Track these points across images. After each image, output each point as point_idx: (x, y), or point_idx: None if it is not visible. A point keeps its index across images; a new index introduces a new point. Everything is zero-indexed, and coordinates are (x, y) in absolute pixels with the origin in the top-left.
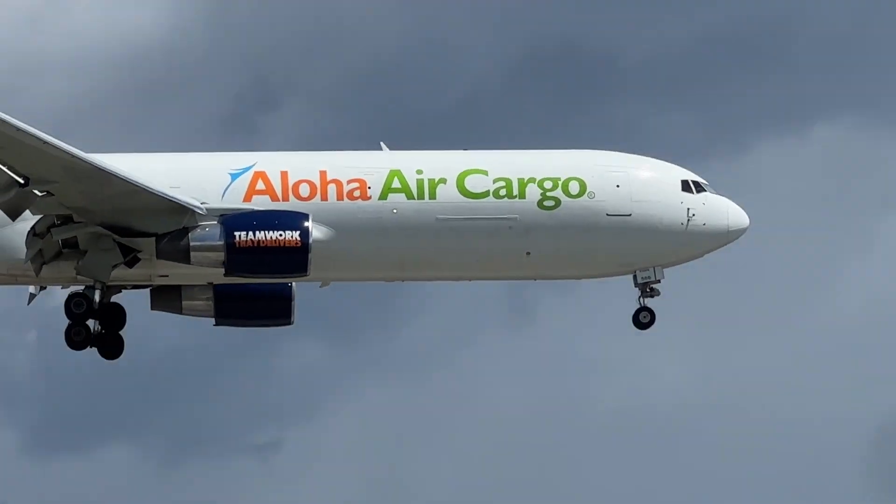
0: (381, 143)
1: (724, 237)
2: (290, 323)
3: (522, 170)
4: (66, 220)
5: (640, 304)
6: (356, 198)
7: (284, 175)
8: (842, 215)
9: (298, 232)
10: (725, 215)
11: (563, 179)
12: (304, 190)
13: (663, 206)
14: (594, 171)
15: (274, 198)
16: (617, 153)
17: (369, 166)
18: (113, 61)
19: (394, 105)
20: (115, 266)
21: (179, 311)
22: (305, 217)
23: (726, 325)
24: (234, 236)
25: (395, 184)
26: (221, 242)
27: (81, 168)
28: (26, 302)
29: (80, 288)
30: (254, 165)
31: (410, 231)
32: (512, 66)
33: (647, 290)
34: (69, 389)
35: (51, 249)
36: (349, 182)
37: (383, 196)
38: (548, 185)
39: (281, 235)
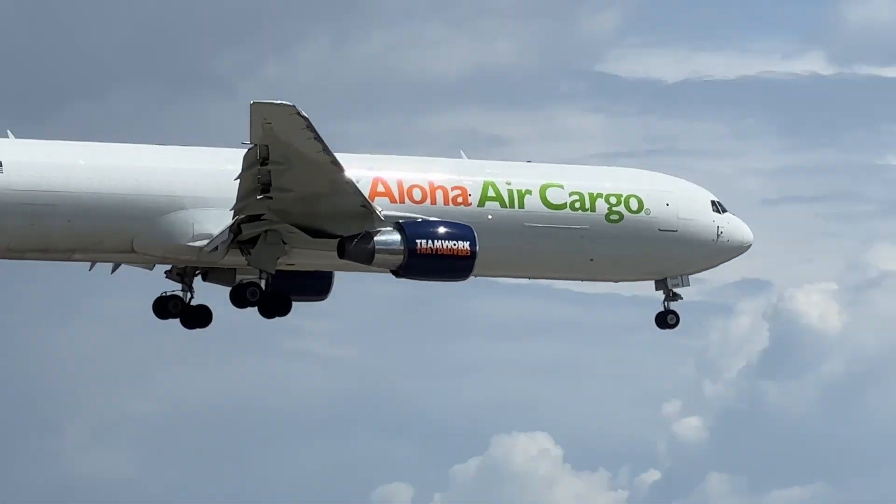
0: (461, 152)
1: (739, 251)
2: (325, 298)
3: (591, 185)
4: (257, 217)
5: (664, 307)
6: (459, 203)
7: (399, 180)
8: None
9: (469, 242)
10: (741, 232)
11: (624, 196)
12: (417, 194)
13: (701, 224)
14: (648, 190)
15: (392, 200)
16: (659, 173)
17: (468, 176)
18: None
19: None
20: (278, 258)
21: (231, 283)
22: (472, 229)
23: None
24: (416, 243)
25: (490, 193)
26: (403, 248)
27: (341, 184)
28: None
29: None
30: (371, 169)
31: (501, 235)
32: None
33: (672, 294)
34: None
35: (230, 241)
36: (453, 189)
37: (481, 203)
38: (613, 200)
39: (455, 245)
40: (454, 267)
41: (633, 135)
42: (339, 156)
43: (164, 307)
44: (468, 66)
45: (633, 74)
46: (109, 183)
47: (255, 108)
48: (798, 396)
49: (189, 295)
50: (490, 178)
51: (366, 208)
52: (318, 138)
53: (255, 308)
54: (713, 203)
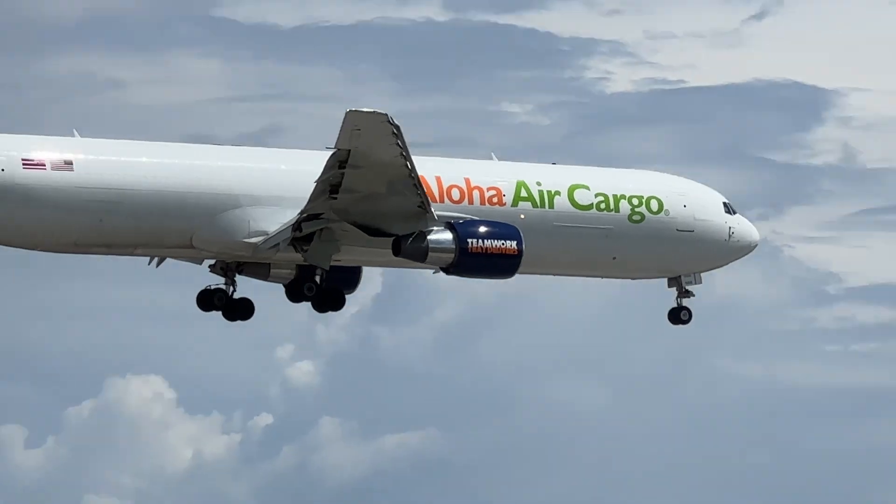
0: (492, 154)
1: (747, 250)
2: (354, 291)
3: (615, 187)
4: (317, 215)
5: (678, 303)
6: (494, 203)
7: (439, 179)
8: None
9: (516, 241)
10: (750, 233)
11: (645, 197)
12: (455, 194)
13: (715, 224)
14: (667, 192)
15: (432, 198)
16: (674, 175)
17: (502, 176)
18: None
19: None
20: (332, 255)
21: (266, 277)
22: (518, 229)
23: None
24: (468, 242)
25: (523, 193)
26: (454, 247)
27: (412, 187)
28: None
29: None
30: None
31: (532, 234)
32: None
33: (685, 291)
34: None
35: (290, 238)
36: (489, 189)
37: (514, 203)
38: (635, 201)
39: (503, 244)
40: (502, 265)
41: (250, 80)
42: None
43: (210, 300)
44: (85, 9)
45: (250, 20)
46: (171, 181)
47: (351, 115)
48: (410, 342)
49: (231, 288)
50: (522, 179)
51: (422, 208)
52: (400, 144)
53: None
54: (725, 205)
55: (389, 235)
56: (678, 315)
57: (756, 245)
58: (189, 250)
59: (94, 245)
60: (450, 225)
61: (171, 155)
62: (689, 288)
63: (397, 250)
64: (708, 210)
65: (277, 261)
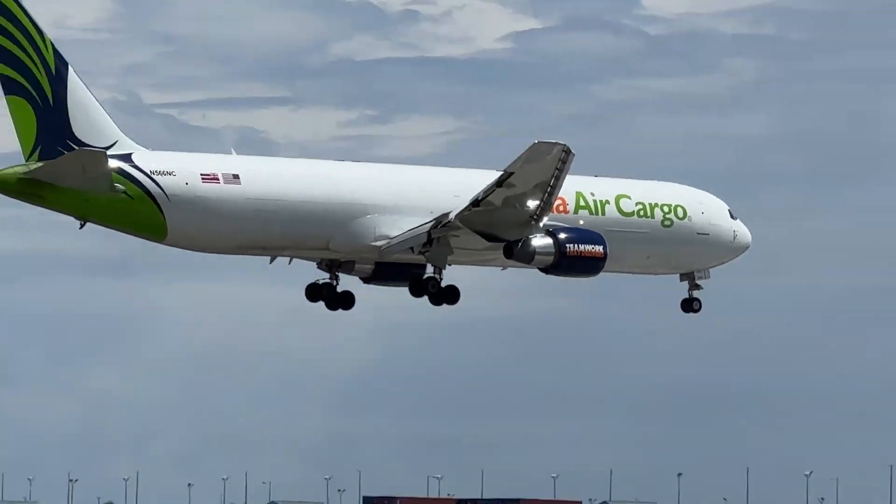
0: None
1: (744, 249)
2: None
3: (650, 196)
4: (446, 224)
5: (690, 295)
6: (560, 211)
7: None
8: None
9: (602, 246)
10: (746, 235)
11: (672, 205)
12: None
13: (724, 228)
14: (689, 201)
15: None
16: (687, 186)
17: (563, 188)
18: None
19: None
20: (447, 256)
21: (350, 272)
22: (602, 236)
23: None
24: (566, 247)
25: (581, 202)
26: (555, 250)
27: (550, 203)
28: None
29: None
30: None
31: None
32: None
33: (696, 285)
34: None
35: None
36: (556, 199)
37: (575, 211)
38: (665, 209)
39: (593, 248)
40: (591, 266)
41: None
42: (450, 169)
43: (318, 292)
44: None
45: None
46: (316, 193)
47: (538, 146)
48: None
49: (335, 283)
50: (580, 190)
51: (534, 219)
52: (560, 170)
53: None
54: (729, 211)
55: (502, 241)
56: (691, 305)
57: (748, 246)
58: (324, 251)
59: (253, 248)
60: (549, 232)
61: (313, 170)
62: (699, 282)
63: (509, 254)
64: (719, 216)
65: (400, 261)
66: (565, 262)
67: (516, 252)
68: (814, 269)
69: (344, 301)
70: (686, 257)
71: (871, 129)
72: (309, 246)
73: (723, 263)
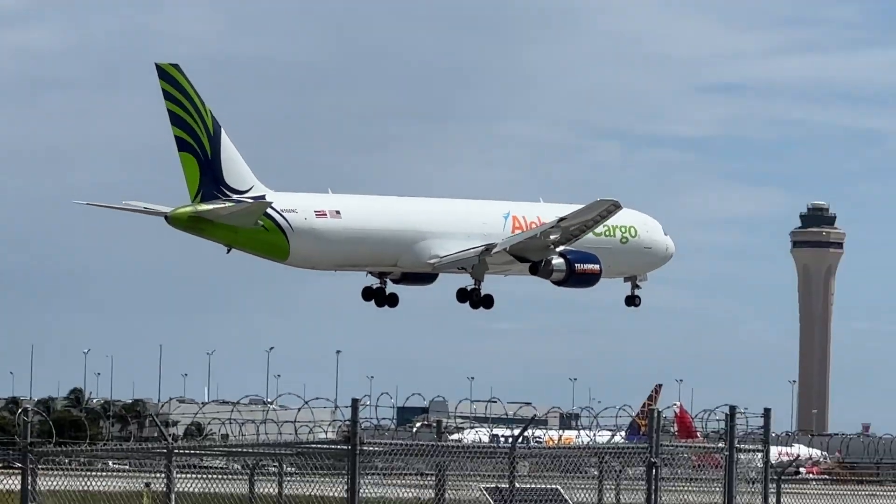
0: (540, 198)
1: (670, 258)
2: (431, 283)
3: (611, 220)
4: (490, 248)
5: (632, 293)
6: None
7: (525, 218)
8: None
9: (599, 265)
10: (671, 246)
11: (627, 226)
12: (533, 227)
13: (660, 242)
14: (637, 222)
15: (521, 229)
16: (635, 210)
17: (550, 214)
18: None
19: None
20: (485, 271)
21: (386, 276)
22: (597, 256)
23: None
24: (575, 266)
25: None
26: (566, 269)
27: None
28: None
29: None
30: (510, 212)
31: None
32: None
33: (637, 285)
34: None
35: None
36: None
37: None
38: (622, 229)
39: (593, 266)
40: (591, 280)
41: None
42: (477, 201)
43: (372, 293)
44: None
45: None
46: (392, 225)
47: (598, 203)
48: None
49: (384, 286)
50: (560, 215)
51: (549, 247)
52: (606, 217)
53: (467, 302)
54: (663, 228)
55: (529, 262)
56: (633, 300)
57: (672, 255)
58: (393, 267)
59: (347, 265)
60: (562, 255)
61: (388, 206)
62: (639, 283)
63: (534, 271)
64: (657, 232)
65: (447, 272)
66: (574, 278)
67: (540, 270)
68: None
69: (390, 300)
70: (635, 265)
71: None
72: (385, 263)
73: (657, 268)
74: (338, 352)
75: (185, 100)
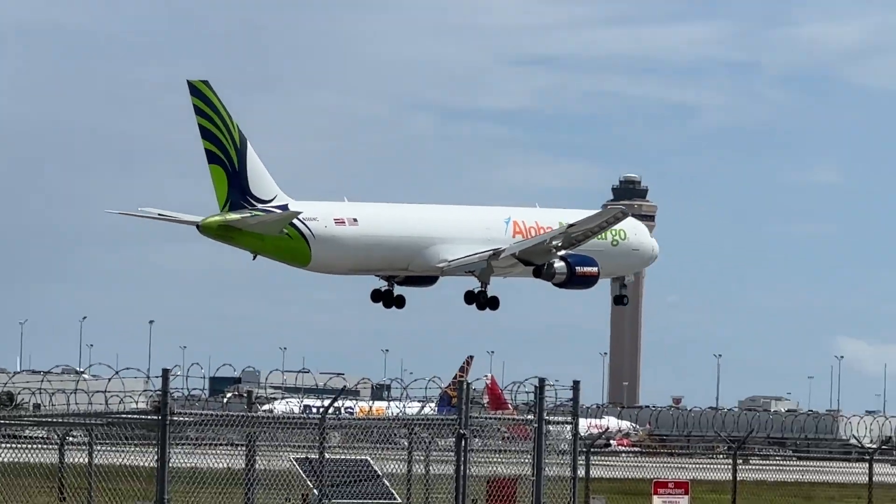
0: (536, 203)
1: (655, 258)
2: (433, 285)
3: None
4: (498, 253)
5: (620, 292)
6: None
7: (524, 223)
8: None
9: (597, 267)
10: (658, 248)
11: (617, 230)
12: (532, 232)
13: (647, 244)
14: (626, 226)
15: (525, 235)
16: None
17: (554, 219)
18: None
19: None
20: (491, 274)
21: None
22: (595, 259)
23: None
24: (576, 269)
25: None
26: (567, 271)
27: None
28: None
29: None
30: (510, 217)
31: None
32: None
33: (624, 285)
34: None
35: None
36: (548, 228)
37: None
38: (613, 233)
39: (592, 269)
40: (590, 281)
41: None
42: (480, 207)
43: (381, 295)
44: None
45: None
46: (404, 231)
47: (608, 210)
48: None
49: (392, 288)
50: (561, 220)
51: (552, 251)
52: (613, 224)
53: (474, 304)
54: (648, 231)
55: (533, 265)
56: (621, 299)
57: (658, 255)
58: (404, 270)
59: (361, 270)
60: (562, 258)
61: (400, 213)
62: (626, 283)
63: (538, 274)
64: (644, 235)
65: (455, 275)
66: (575, 279)
67: (544, 273)
68: None
69: (398, 302)
70: (625, 266)
71: None
72: (397, 267)
73: (644, 268)
74: (151, 322)
75: (214, 115)
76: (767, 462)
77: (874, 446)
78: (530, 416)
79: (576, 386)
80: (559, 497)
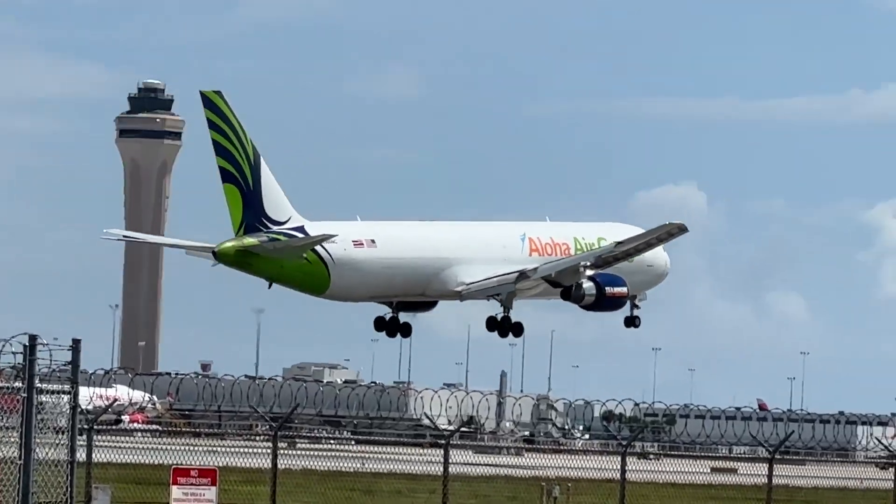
0: (546, 217)
1: (667, 275)
2: (432, 310)
3: (615, 237)
4: (526, 275)
5: (631, 312)
6: (564, 253)
7: (540, 240)
8: None
9: (626, 287)
10: (669, 262)
11: None
12: (548, 249)
13: (662, 259)
14: None
15: (541, 253)
16: (635, 226)
17: (567, 235)
18: None
19: None
20: (514, 298)
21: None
22: (624, 279)
23: None
24: (605, 290)
25: (577, 245)
26: (595, 293)
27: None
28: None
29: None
30: (525, 234)
31: None
32: None
33: (636, 305)
34: None
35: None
36: (563, 243)
37: (574, 253)
38: None
39: (622, 290)
40: (620, 303)
41: None
42: (495, 223)
43: (384, 323)
44: None
45: None
46: (423, 250)
47: (668, 226)
48: None
49: (397, 316)
50: (575, 235)
51: (581, 270)
52: (666, 240)
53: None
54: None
55: (561, 286)
56: (633, 321)
57: (669, 271)
58: (420, 295)
59: (380, 297)
60: (591, 278)
61: (418, 232)
62: (638, 303)
63: (566, 296)
64: (659, 251)
65: (477, 299)
66: (604, 301)
67: (573, 295)
68: None
69: (403, 329)
70: (639, 284)
71: None
72: (414, 292)
73: (656, 286)
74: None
75: (227, 128)
76: (319, 446)
77: (452, 428)
78: (18, 384)
79: (76, 346)
80: (53, 486)
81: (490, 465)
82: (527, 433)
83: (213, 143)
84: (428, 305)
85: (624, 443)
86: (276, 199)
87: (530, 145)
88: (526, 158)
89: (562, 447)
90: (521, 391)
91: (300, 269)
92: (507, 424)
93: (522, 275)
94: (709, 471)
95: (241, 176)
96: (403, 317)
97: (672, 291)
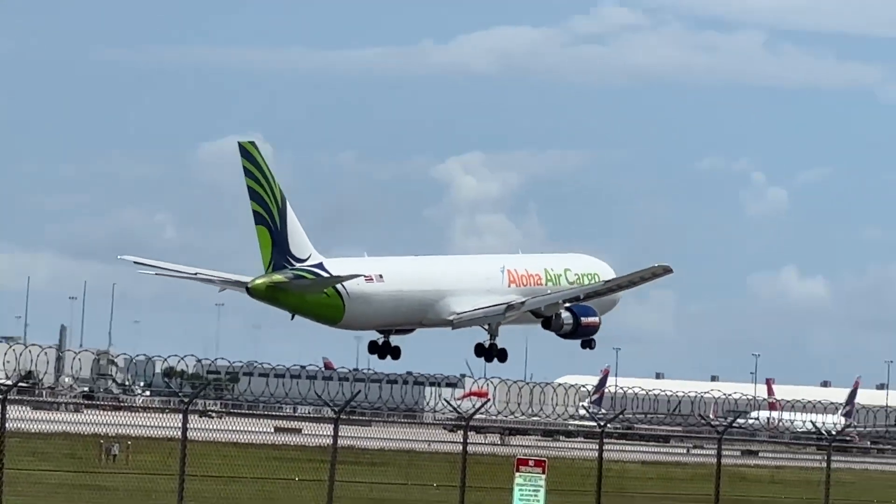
0: (519, 250)
1: (619, 301)
2: (413, 331)
3: (578, 268)
4: (513, 307)
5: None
6: (536, 283)
7: (517, 271)
8: None
9: (598, 317)
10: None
11: (591, 273)
12: (524, 280)
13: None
14: (599, 270)
15: (518, 284)
16: (594, 258)
17: (540, 266)
18: None
19: None
20: (499, 326)
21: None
22: (595, 310)
23: None
24: (581, 319)
25: (547, 276)
26: (573, 322)
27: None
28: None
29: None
30: (504, 266)
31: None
32: None
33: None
34: None
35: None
36: (535, 275)
37: (546, 283)
38: (589, 276)
39: (595, 319)
40: (593, 332)
41: None
42: (479, 257)
43: (377, 347)
44: None
45: None
46: (422, 284)
47: (655, 268)
48: None
49: (389, 340)
50: (545, 266)
51: (559, 302)
52: (650, 279)
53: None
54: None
55: (542, 317)
56: (590, 343)
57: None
58: (418, 325)
59: (385, 326)
60: (568, 309)
61: (418, 267)
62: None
63: (547, 326)
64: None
65: (464, 327)
66: (580, 330)
67: (553, 324)
68: None
69: (394, 353)
70: (600, 309)
71: None
72: (413, 322)
73: (609, 311)
74: None
75: (260, 175)
76: None
77: (9, 383)
78: None
79: None
80: None
81: (48, 422)
82: (86, 389)
83: (249, 190)
84: (409, 329)
85: (186, 400)
86: (299, 239)
87: None
88: None
89: (122, 404)
90: (81, 346)
91: (320, 302)
92: (67, 380)
93: (510, 307)
94: (272, 430)
95: (270, 218)
96: (394, 340)
97: None
